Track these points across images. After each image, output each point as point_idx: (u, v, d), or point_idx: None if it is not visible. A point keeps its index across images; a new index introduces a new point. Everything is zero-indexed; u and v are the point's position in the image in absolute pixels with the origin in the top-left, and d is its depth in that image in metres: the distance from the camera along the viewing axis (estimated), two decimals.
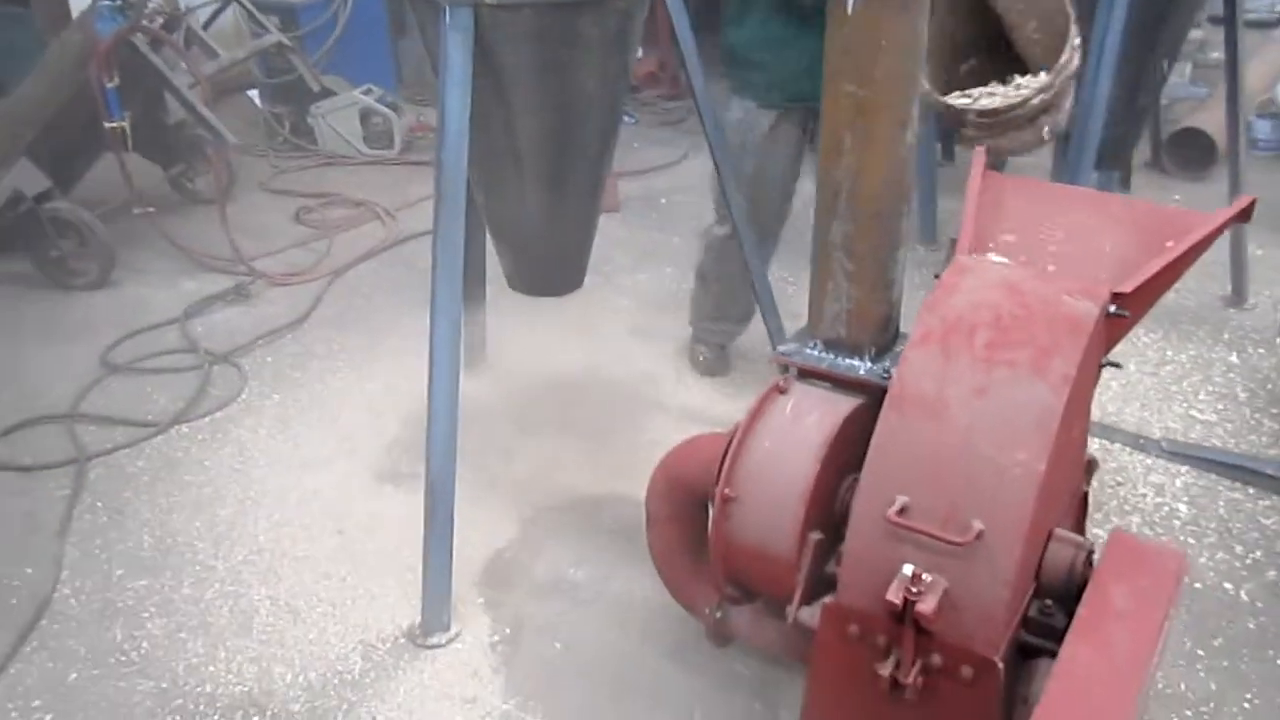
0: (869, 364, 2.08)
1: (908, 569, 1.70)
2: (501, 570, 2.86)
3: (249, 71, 5.92)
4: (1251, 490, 3.07)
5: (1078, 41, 2.15)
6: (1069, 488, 1.98)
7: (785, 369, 2.15)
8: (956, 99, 2.44)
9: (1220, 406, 3.50)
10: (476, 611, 2.71)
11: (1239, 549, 2.85)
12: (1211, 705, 2.39)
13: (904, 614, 1.69)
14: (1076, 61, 2.20)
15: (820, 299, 2.10)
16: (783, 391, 2.08)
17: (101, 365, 3.91)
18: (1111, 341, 1.99)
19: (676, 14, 2.71)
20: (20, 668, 2.58)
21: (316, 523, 3.06)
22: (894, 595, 1.68)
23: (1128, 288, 1.89)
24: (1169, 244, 2.01)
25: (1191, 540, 2.88)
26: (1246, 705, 2.39)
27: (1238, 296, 4.17)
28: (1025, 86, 2.56)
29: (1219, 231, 2.09)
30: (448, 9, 2.30)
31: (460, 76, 2.36)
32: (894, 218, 2.01)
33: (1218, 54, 5.82)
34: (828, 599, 1.87)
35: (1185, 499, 3.06)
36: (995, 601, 1.69)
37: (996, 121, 2.43)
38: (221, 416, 3.60)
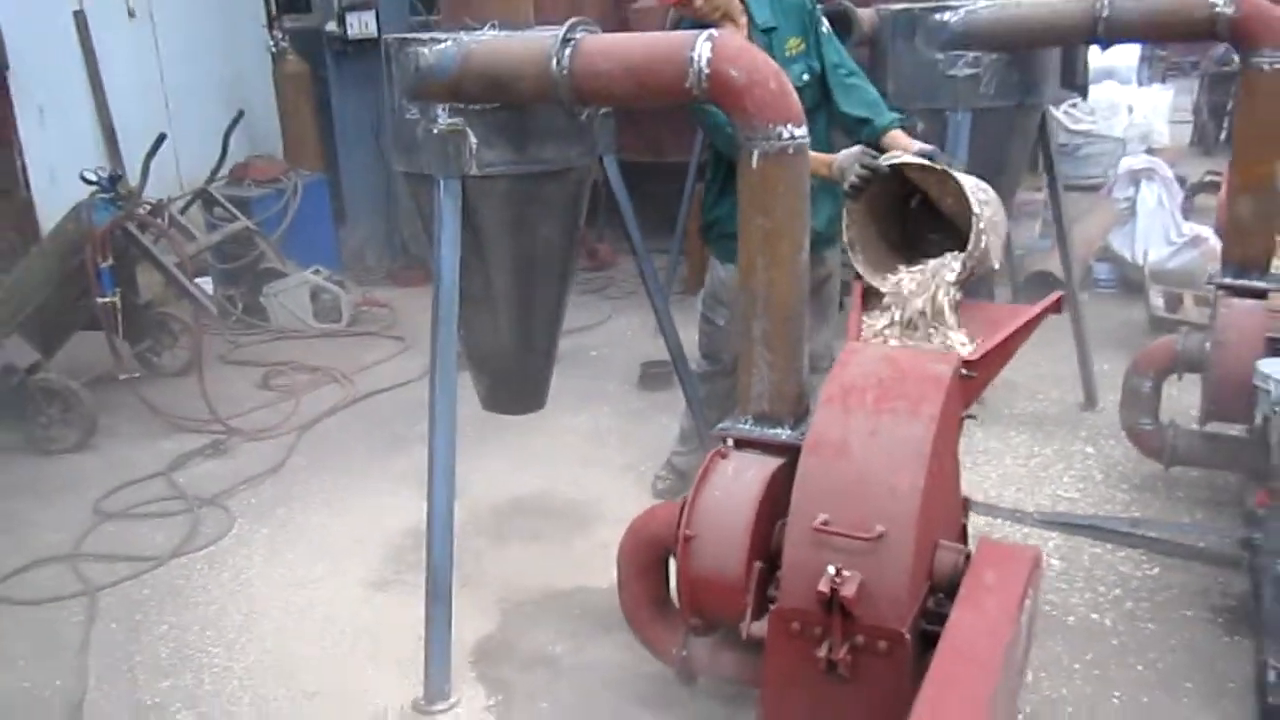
0: (789, 431, 2.67)
1: (831, 568, 2.24)
2: (490, 650, 3.28)
3: (204, 260, 6.49)
4: (1109, 545, 3.70)
5: (983, 225, 2.68)
6: (948, 510, 2.56)
7: (725, 441, 2.72)
8: (884, 285, 2.88)
9: (1081, 486, 4.17)
10: (471, 683, 3.12)
11: (1101, 589, 3.46)
12: (1088, 703, 2.93)
13: (832, 602, 2.22)
14: (984, 242, 2.70)
15: (748, 383, 2.71)
16: (724, 457, 2.65)
17: (95, 514, 4.27)
18: (968, 399, 2.62)
19: (616, 184, 3.41)
20: None
21: (318, 627, 3.44)
22: (824, 586, 2.21)
23: (973, 357, 2.55)
24: (1001, 328, 2.69)
25: (1064, 585, 3.47)
26: (1115, 702, 2.93)
27: (1090, 402, 4.93)
28: (944, 272, 2.83)
29: (1038, 319, 2.79)
30: (442, 180, 2.95)
31: (451, 232, 2.98)
32: (799, 317, 2.65)
33: None
34: (773, 608, 2.39)
35: (1057, 556, 3.66)
36: (899, 586, 2.23)
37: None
38: (216, 550, 3.98)
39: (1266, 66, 3.55)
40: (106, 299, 4.70)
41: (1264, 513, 3.15)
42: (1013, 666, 2.21)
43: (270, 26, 8.08)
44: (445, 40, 2.85)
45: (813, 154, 2.66)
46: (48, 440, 4.84)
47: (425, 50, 2.85)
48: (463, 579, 3.47)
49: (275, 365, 5.92)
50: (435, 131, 2.92)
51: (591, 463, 4.60)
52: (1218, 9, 3.54)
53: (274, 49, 7.88)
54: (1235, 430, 3.85)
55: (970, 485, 4.01)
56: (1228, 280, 3.79)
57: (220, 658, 3.30)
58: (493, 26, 2.97)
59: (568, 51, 2.62)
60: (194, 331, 5.18)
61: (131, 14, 7.26)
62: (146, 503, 4.36)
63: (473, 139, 2.92)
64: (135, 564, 3.86)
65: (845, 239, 2.96)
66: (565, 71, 2.62)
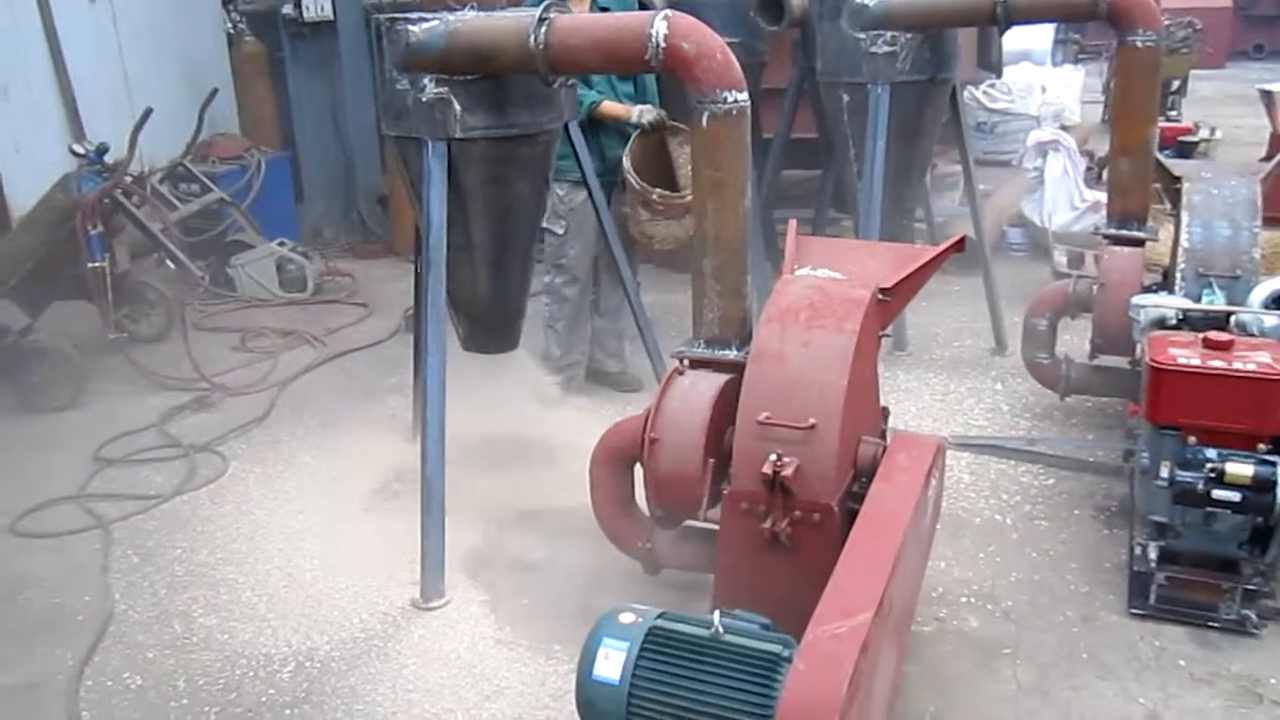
0: (736, 351, 3.15)
1: (774, 454, 2.72)
2: (475, 559, 3.72)
3: (172, 234, 6.77)
4: (1012, 461, 4.27)
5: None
6: (870, 412, 3.05)
7: (682, 360, 3.19)
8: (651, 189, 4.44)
9: (990, 416, 4.73)
10: (462, 584, 3.56)
11: (1004, 496, 4.01)
12: (989, 582, 3.47)
13: (774, 482, 2.70)
14: None
15: (700, 311, 3.18)
16: (682, 374, 3.12)
17: (95, 461, 4.60)
18: (885, 319, 3.11)
19: (578, 144, 3.85)
20: (102, 657, 3.27)
21: (319, 545, 3.85)
22: (767, 469, 2.68)
23: (888, 284, 3.04)
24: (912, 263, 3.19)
25: (972, 494, 4.02)
26: (1012, 580, 3.48)
27: (1000, 348, 5.50)
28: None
29: (943, 256, 3.29)
30: (430, 142, 3.36)
31: (438, 187, 3.40)
32: (743, 253, 3.13)
33: (983, 186, 7.46)
34: (726, 491, 2.86)
35: (968, 472, 4.21)
36: (828, 468, 2.72)
37: (666, 207, 4.44)
38: (216, 487, 4.36)
39: (1140, 44, 4.11)
40: (97, 264, 5.01)
41: (1134, 422, 3.71)
42: (920, 526, 2.72)
43: (226, 8, 8.32)
44: (432, 19, 3.27)
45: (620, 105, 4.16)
46: (40, 399, 5.14)
47: (415, 28, 3.25)
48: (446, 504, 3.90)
49: (249, 330, 6.26)
50: (424, 99, 3.33)
51: (548, 403, 5.02)
52: None
53: (231, 30, 8.14)
54: (1121, 362, 4.41)
55: (893, 418, 4.53)
56: (1111, 230, 4.35)
57: (233, 573, 3.69)
58: (472, 7, 3.40)
59: (544, 29, 3.06)
60: (175, 294, 5.50)
61: None
62: (143, 450, 4.70)
63: (457, 106, 3.33)
64: (141, 501, 4.21)
65: (628, 159, 4.41)
66: (542, 46, 3.06)
